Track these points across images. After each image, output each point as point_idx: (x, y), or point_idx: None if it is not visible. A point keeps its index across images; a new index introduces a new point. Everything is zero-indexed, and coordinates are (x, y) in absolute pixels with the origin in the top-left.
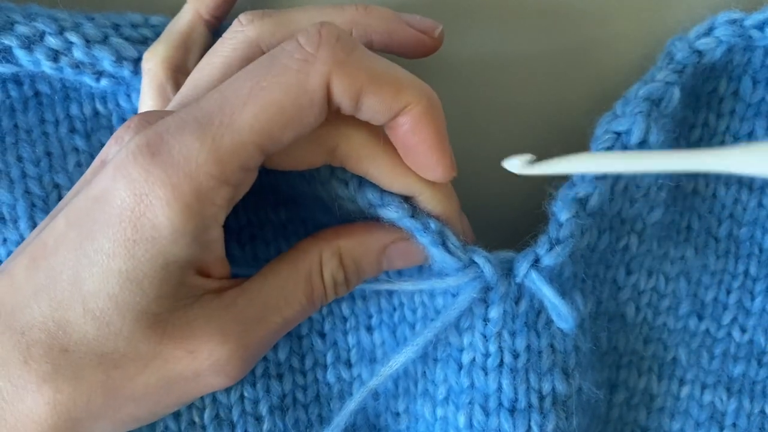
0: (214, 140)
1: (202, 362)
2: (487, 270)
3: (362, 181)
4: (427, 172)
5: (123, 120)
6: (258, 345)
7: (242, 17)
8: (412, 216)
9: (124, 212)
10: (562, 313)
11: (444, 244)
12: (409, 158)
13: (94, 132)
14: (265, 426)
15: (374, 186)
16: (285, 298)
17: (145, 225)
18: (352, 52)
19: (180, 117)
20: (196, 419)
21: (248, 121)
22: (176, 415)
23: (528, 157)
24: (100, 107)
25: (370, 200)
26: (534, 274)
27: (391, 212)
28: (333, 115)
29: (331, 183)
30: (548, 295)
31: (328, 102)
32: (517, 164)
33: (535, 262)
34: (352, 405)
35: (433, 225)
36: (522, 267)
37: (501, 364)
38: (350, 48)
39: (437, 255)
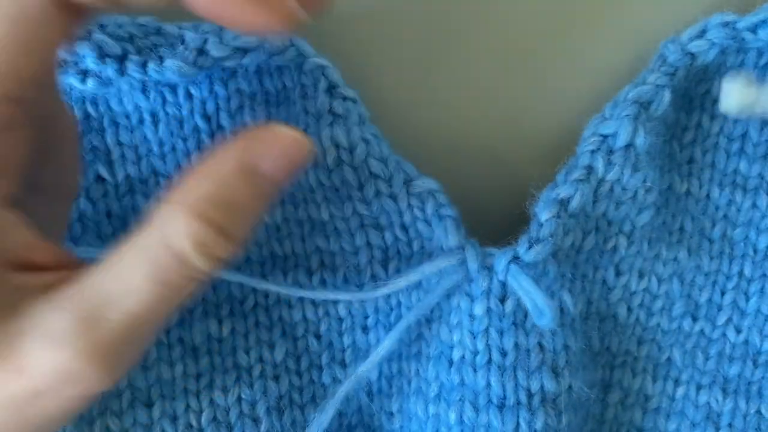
0: None
1: (34, 378)
2: (470, 253)
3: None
4: None
5: (114, 123)
6: (112, 343)
7: None
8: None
9: None
10: (539, 306)
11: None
12: None
13: (84, 135)
14: (263, 427)
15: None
16: (125, 287)
17: None
18: None
19: None
20: (194, 422)
21: None
22: (173, 419)
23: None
24: (90, 110)
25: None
26: (514, 268)
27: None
28: None
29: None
30: (526, 287)
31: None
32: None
33: (514, 259)
34: (341, 392)
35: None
36: (501, 262)
37: (489, 361)
38: None
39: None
